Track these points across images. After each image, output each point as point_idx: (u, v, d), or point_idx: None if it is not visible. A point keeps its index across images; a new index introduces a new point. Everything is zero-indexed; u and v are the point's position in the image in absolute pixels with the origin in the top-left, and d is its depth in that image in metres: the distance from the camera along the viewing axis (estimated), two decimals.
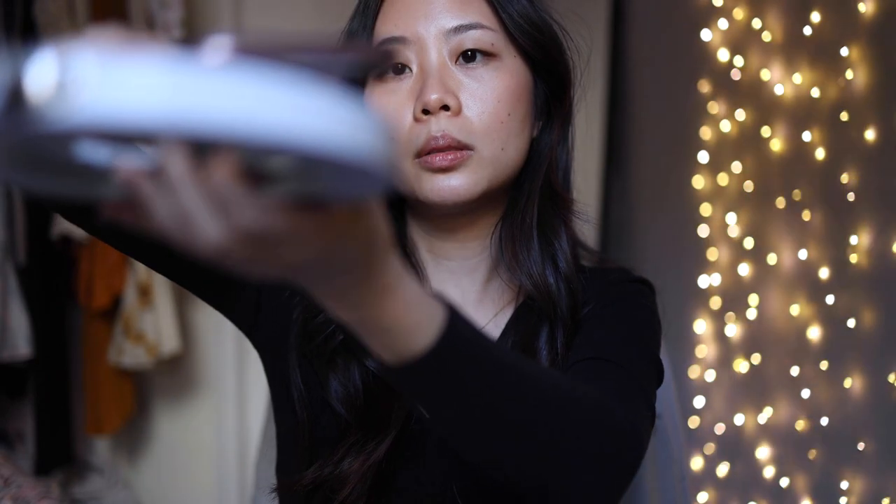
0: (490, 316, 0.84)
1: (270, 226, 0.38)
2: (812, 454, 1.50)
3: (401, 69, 0.78)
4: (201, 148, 0.34)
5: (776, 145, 1.62)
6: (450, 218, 0.81)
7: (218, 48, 0.34)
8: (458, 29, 0.77)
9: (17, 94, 0.30)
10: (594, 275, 0.84)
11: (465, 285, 0.84)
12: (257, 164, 0.37)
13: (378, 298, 0.47)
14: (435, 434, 0.80)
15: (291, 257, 0.41)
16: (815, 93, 1.51)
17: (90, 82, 0.29)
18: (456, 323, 0.51)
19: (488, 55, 0.77)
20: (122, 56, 0.30)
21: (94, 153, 0.37)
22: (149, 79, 0.30)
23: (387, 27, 0.79)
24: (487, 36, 0.77)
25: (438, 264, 0.84)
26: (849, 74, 1.42)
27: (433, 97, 0.74)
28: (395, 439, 0.77)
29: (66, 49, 0.30)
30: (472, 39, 0.77)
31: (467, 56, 0.77)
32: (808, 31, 1.53)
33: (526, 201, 0.81)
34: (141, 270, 2.19)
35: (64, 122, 0.30)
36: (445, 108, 0.75)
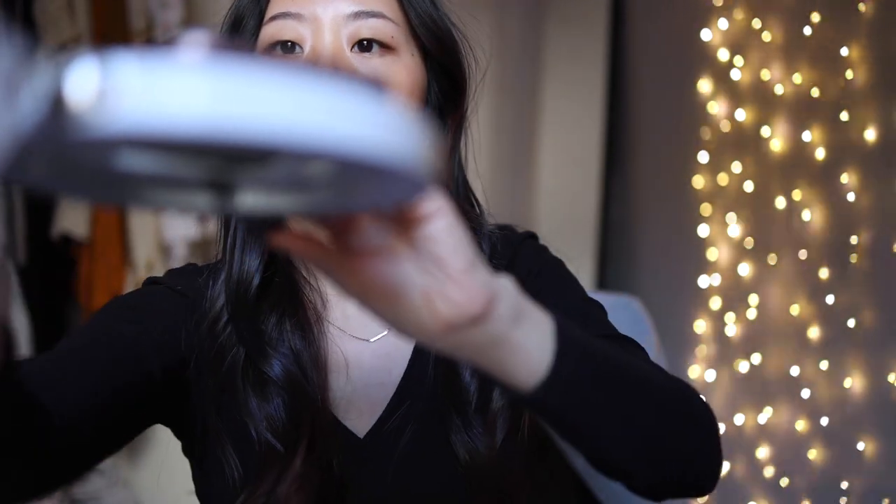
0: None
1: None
2: (812, 454, 1.50)
3: (291, 47, 0.73)
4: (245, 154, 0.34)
5: (776, 145, 1.62)
6: None
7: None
8: (359, 15, 0.73)
9: (58, 101, 0.29)
10: (504, 242, 0.83)
11: None
12: (295, 171, 0.36)
13: (514, 343, 0.49)
14: (377, 448, 0.75)
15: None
16: (815, 92, 1.51)
17: (132, 89, 0.29)
18: (563, 324, 0.52)
19: (385, 47, 0.74)
20: (163, 60, 0.30)
21: (136, 161, 0.36)
22: (190, 84, 0.29)
23: (283, 1, 0.74)
24: (388, 28, 0.74)
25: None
26: (849, 74, 1.42)
27: None
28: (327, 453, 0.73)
29: (107, 55, 0.29)
30: (370, 28, 0.73)
31: (363, 45, 0.73)
32: (808, 30, 1.53)
33: None
34: (141, 270, 2.19)
35: (104, 129, 0.29)
36: None
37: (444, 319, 0.46)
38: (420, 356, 0.79)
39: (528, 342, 0.49)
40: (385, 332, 0.80)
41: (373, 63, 0.73)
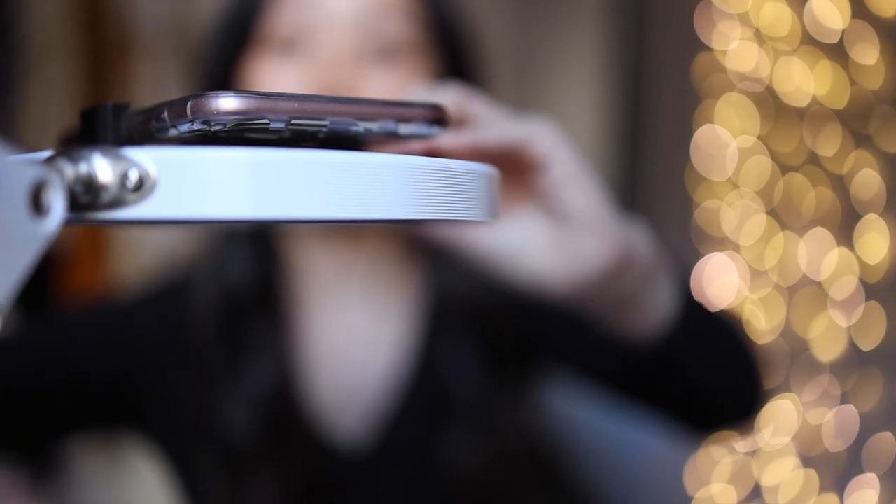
0: (400, 322, 0.76)
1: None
2: (835, 446, 1.51)
3: (293, 42, 0.65)
4: None
5: (783, 145, 1.62)
6: (342, 231, 0.74)
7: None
8: (379, 16, 0.65)
9: (89, 185, 0.27)
10: None
11: (369, 291, 0.76)
12: None
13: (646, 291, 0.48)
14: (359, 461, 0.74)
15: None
16: (824, 92, 1.51)
17: (164, 179, 0.27)
18: (676, 273, 0.52)
19: (406, 52, 0.66)
20: (190, 153, 0.27)
21: None
22: (229, 184, 0.27)
23: None
24: (412, 32, 0.66)
25: (332, 274, 0.75)
26: (861, 73, 1.42)
27: None
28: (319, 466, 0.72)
29: (133, 150, 0.27)
30: (392, 34, 0.65)
31: (382, 50, 0.65)
32: (820, 28, 1.52)
33: None
34: (113, 269, 2.15)
35: (139, 219, 0.27)
36: None
37: (576, 278, 0.43)
38: (409, 360, 0.75)
39: (653, 301, 0.48)
40: (372, 337, 0.76)
41: (393, 77, 0.65)
